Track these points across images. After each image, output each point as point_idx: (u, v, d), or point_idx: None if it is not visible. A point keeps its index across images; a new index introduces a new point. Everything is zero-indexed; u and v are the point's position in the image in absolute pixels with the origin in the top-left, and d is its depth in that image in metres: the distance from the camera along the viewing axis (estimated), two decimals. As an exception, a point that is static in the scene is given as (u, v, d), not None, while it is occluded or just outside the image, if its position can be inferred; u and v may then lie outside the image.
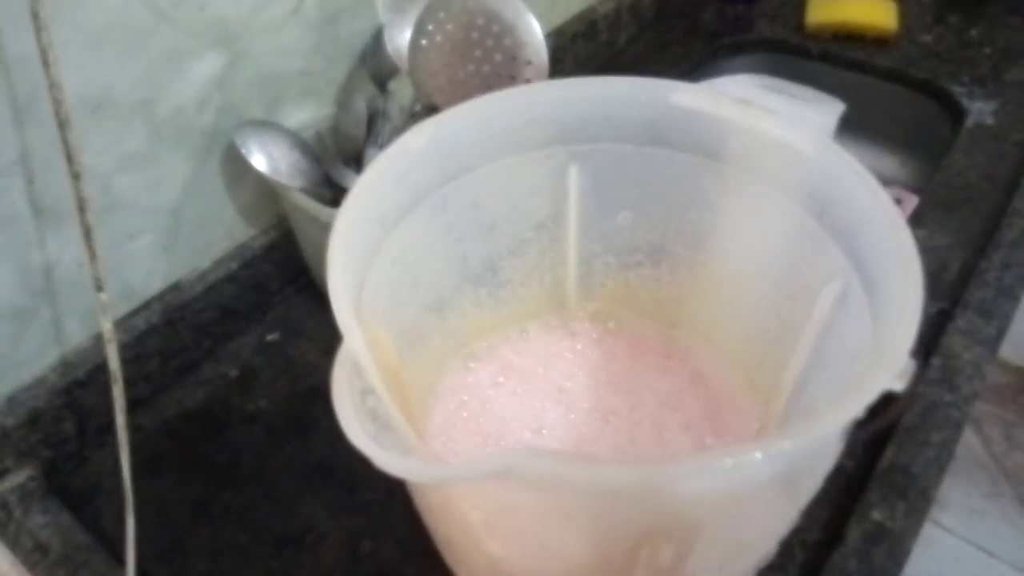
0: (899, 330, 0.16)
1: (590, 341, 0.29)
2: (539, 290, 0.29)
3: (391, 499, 0.53)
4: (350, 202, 0.21)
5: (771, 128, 0.22)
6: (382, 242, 0.22)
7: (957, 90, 0.84)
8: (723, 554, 0.19)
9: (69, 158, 0.36)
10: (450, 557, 0.23)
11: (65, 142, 0.36)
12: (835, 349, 0.21)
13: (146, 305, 0.58)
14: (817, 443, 0.15)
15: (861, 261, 0.20)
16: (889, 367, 0.15)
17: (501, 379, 0.28)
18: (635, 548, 0.17)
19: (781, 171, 0.22)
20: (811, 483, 0.19)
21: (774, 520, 0.19)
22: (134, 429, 0.56)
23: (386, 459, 0.14)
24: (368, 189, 0.21)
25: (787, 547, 0.49)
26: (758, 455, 0.14)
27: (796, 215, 0.22)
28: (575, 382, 0.28)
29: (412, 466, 0.15)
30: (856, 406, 0.15)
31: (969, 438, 1.54)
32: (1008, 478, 1.46)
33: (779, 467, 0.15)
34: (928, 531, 1.40)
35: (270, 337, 0.64)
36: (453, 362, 0.27)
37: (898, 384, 0.15)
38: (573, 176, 0.25)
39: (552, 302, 0.29)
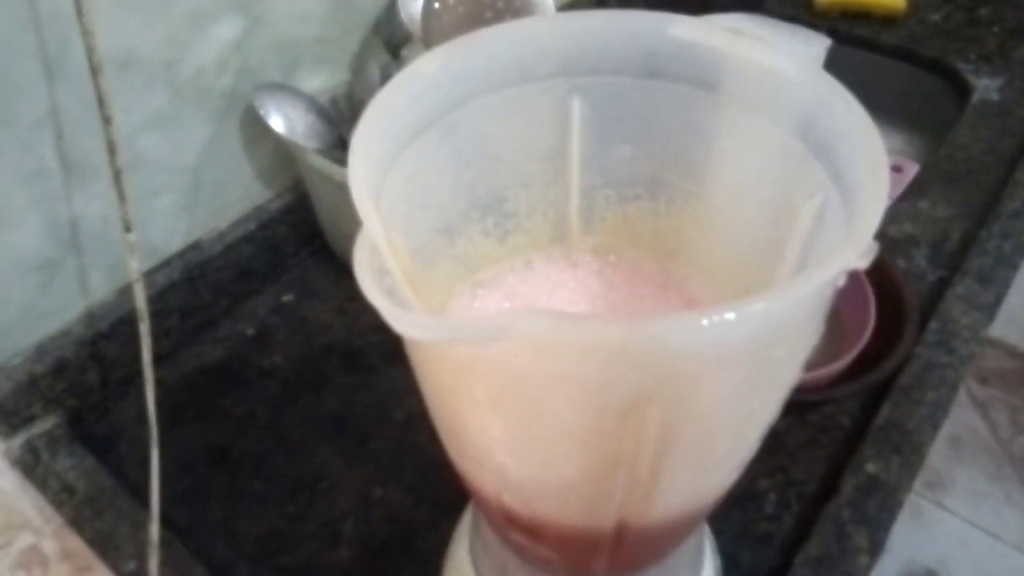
0: (865, 215, 0.18)
1: (591, 272, 0.30)
2: (543, 222, 0.30)
3: (401, 448, 0.55)
4: (368, 112, 0.22)
5: (761, 55, 0.23)
6: (396, 158, 0.24)
7: (964, 67, 0.85)
8: (706, 433, 0.21)
9: (100, 102, 0.38)
10: (455, 449, 0.24)
11: (97, 87, 0.38)
12: (815, 262, 0.23)
13: (167, 262, 0.60)
14: (788, 306, 0.17)
15: (839, 175, 0.21)
16: (854, 245, 0.17)
17: (507, 304, 0.29)
18: (624, 415, 0.18)
19: (770, 97, 0.24)
20: (791, 361, 0.21)
21: (752, 398, 0.21)
22: (156, 382, 0.59)
23: (400, 315, 0.16)
24: (383, 104, 0.22)
25: (784, 499, 0.51)
26: (731, 315, 0.15)
27: (783, 138, 0.24)
28: (576, 309, 0.29)
29: (424, 322, 0.17)
30: (822, 275, 0.17)
31: (976, 423, 1.55)
32: (1013, 462, 1.47)
33: (753, 330, 0.16)
34: (932, 513, 1.41)
35: (285, 298, 0.66)
36: (461, 287, 0.29)
37: (862, 262, 0.17)
38: (576, 108, 0.27)
39: (555, 234, 0.31)
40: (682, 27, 0.24)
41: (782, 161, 0.24)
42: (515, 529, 0.26)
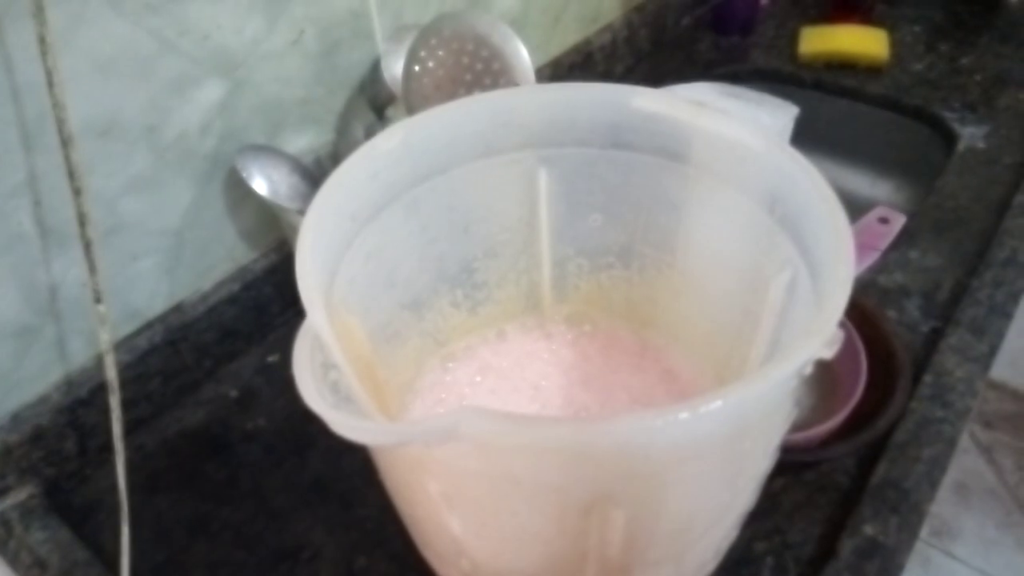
0: (830, 302, 0.17)
1: (565, 342, 0.30)
2: (515, 292, 0.30)
3: (385, 515, 0.53)
4: (322, 194, 0.22)
5: (724, 128, 0.23)
6: (355, 237, 0.23)
7: (948, 116, 0.86)
8: (676, 529, 0.20)
9: (71, 174, 0.38)
10: (420, 540, 0.23)
11: (67, 159, 0.38)
12: (788, 335, 0.22)
13: (148, 325, 0.59)
14: (749, 404, 0.16)
15: (806, 249, 0.21)
16: (818, 335, 0.16)
17: (479, 378, 0.28)
18: (586, 514, 0.17)
19: (736, 169, 0.23)
20: (759, 451, 0.20)
21: (723, 491, 0.20)
22: (135, 448, 0.58)
23: (339, 419, 0.15)
24: (339, 184, 0.22)
25: (781, 562, 0.49)
26: (684, 415, 0.15)
27: (751, 210, 0.23)
28: (550, 381, 0.28)
29: (362, 426, 0.16)
30: (784, 370, 0.16)
31: (982, 468, 1.52)
32: (1022, 507, 1.44)
33: (715, 427, 0.16)
34: (942, 562, 1.37)
35: (271, 359, 0.65)
36: (431, 361, 0.28)
37: (827, 352, 0.16)
38: (543, 180, 0.26)
39: (528, 304, 0.30)
40: (645, 99, 0.24)
41: (752, 233, 0.23)
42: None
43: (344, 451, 0.58)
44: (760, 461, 0.21)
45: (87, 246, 0.40)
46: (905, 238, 0.70)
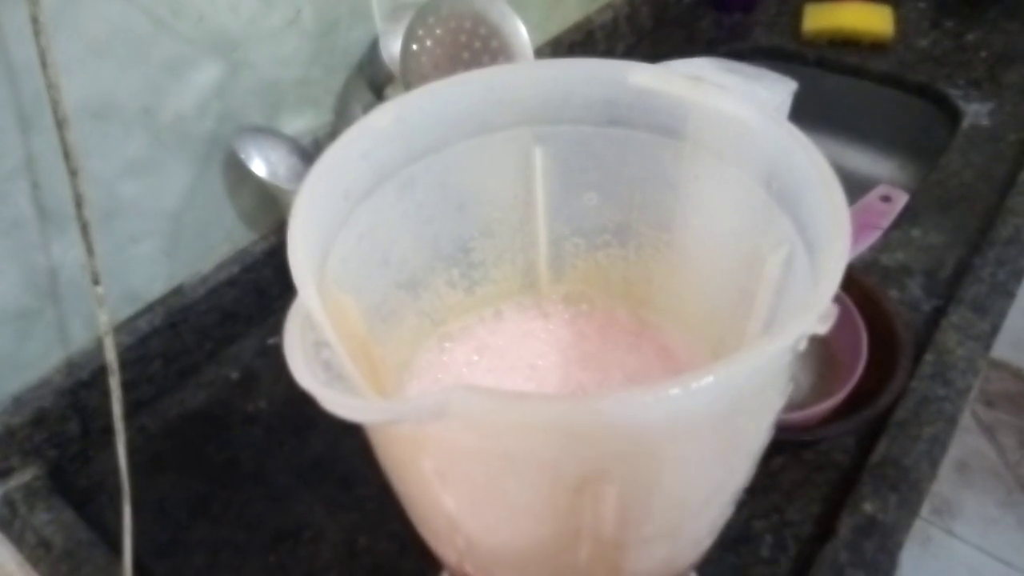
0: (825, 276, 0.17)
1: (562, 321, 0.29)
2: (511, 271, 0.30)
3: (386, 495, 0.53)
4: (313, 172, 0.22)
5: (721, 103, 0.22)
6: (348, 216, 0.23)
7: (953, 93, 0.85)
8: (670, 506, 0.20)
9: (66, 155, 0.38)
10: (416, 518, 0.23)
11: (63, 140, 0.38)
12: (784, 312, 0.22)
13: (149, 308, 0.59)
14: (741, 379, 0.16)
15: (803, 225, 0.20)
16: (813, 310, 0.16)
17: (475, 357, 0.28)
18: (579, 491, 0.17)
19: (733, 145, 0.23)
20: (754, 427, 0.20)
21: (717, 467, 0.20)
22: (137, 430, 0.58)
23: (330, 397, 0.15)
24: (331, 163, 0.22)
25: (780, 541, 0.49)
26: (675, 390, 0.15)
27: (749, 187, 0.23)
28: (547, 360, 0.28)
29: (353, 404, 0.16)
30: (777, 345, 0.16)
31: (983, 447, 1.53)
32: (1022, 487, 1.44)
33: (707, 403, 0.16)
34: (942, 540, 1.38)
35: (271, 341, 0.65)
36: (428, 341, 0.28)
37: (821, 328, 0.16)
38: (538, 158, 0.26)
39: (525, 283, 0.30)
40: (641, 75, 0.23)
41: (748, 210, 0.23)
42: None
43: (344, 432, 0.58)
44: (755, 438, 0.20)
45: (84, 227, 0.40)
46: (908, 216, 0.70)
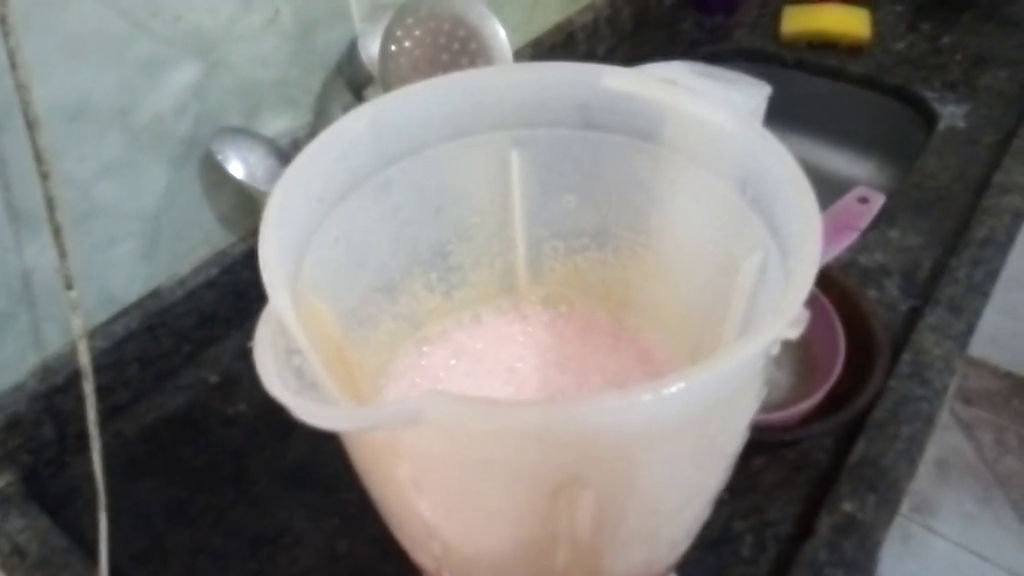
0: (795, 283, 0.17)
1: (541, 324, 0.29)
2: (490, 275, 0.29)
3: (367, 499, 0.53)
4: (287, 175, 0.21)
5: (695, 108, 0.23)
6: (323, 219, 0.23)
7: (929, 95, 0.86)
8: (647, 510, 0.20)
9: (38, 158, 0.37)
10: (392, 524, 0.23)
11: (33, 142, 0.37)
12: (759, 316, 0.22)
13: (125, 311, 0.58)
14: (714, 384, 0.16)
15: (777, 229, 0.20)
16: (784, 315, 0.16)
17: (453, 361, 0.28)
18: (554, 496, 0.17)
19: (707, 149, 0.23)
20: (729, 431, 0.20)
21: (693, 471, 0.20)
22: (114, 435, 0.57)
23: (301, 406, 0.15)
24: (305, 166, 0.22)
25: (760, 541, 0.49)
26: (647, 396, 0.15)
27: (723, 191, 0.23)
28: (525, 363, 0.28)
29: (325, 413, 0.16)
30: (750, 350, 0.16)
31: (961, 444, 1.55)
32: (1000, 483, 1.46)
33: (680, 408, 0.16)
34: (921, 537, 1.39)
35: (251, 343, 0.64)
36: (406, 345, 0.28)
37: (792, 332, 0.16)
38: (515, 161, 0.26)
39: (503, 286, 0.30)
40: (616, 79, 0.23)
41: (723, 214, 0.23)
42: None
43: (325, 437, 0.57)
44: (730, 440, 0.21)
45: (56, 231, 0.39)
46: (885, 217, 0.70)
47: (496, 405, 0.16)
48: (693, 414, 0.17)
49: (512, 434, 0.16)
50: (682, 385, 0.15)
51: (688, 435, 0.18)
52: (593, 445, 0.16)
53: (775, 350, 0.17)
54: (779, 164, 0.20)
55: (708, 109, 0.22)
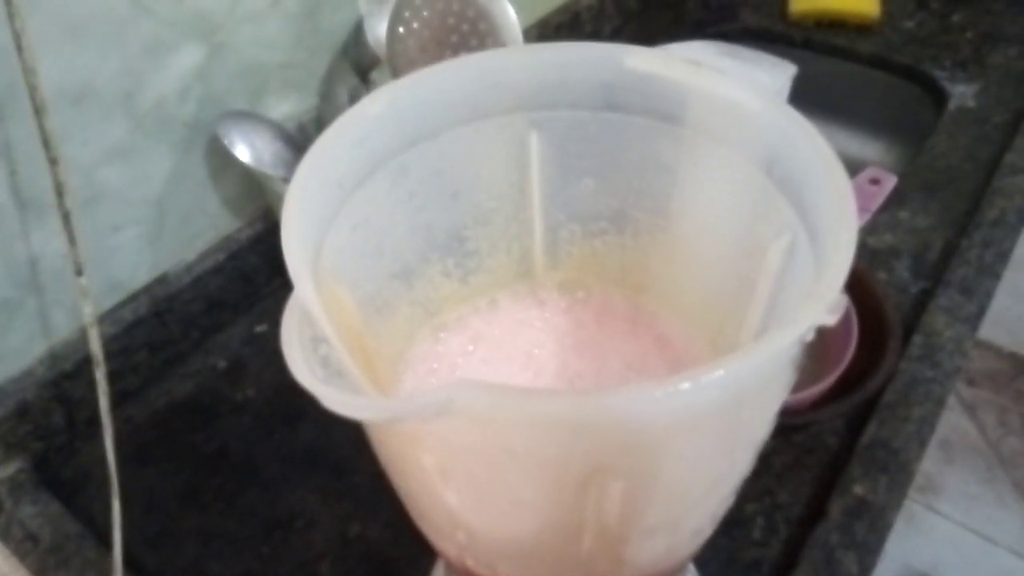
0: (832, 267, 0.17)
1: (558, 309, 0.29)
2: (507, 260, 0.29)
3: (378, 483, 0.53)
4: (306, 161, 0.21)
5: (720, 87, 0.22)
6: (341, 206, 0.22)
7: (939, 74, 0.85)
8: (674, 498, 0.20)
9: (45, 143, 0.37)
10: (414, 513, 0.23)
11: (41, 127, 0.37)
12: (786, 301, 0.22)
13: (133, 297, 0.58)
14: (750, 373, 0.16)
15: (805, 211, 0.20)
16: (821, 301, 0.16)
17: (471, 347, 0.28)
18: (583, 486, 0.17)
19: (732, 130, 0.23)
20: (758, 419, 0.20)
21: (721, 459, 0.20)
22: (124, 421, 0.57)
23: (332, 395, 0.15)
24: (324, 151, 0.21)
25: (771, 523, 0.50)
26: (685, 385, 0.14)
27: (748, 172, 0.23)
28: (543, 349, 0.28)
29: (355, 402, 0.16)
30: (787, 337, 0.16)
31: (964, 424, 1.55)
32: (1003, 463, 1.47)
33: (715, 397, 0.15)
34: (925, 517, 1.40)
35: (259, 328, 0.64)
36: (423, 331, 0.28)
37: (830, 319, 0.16)
38: (534, 143, 0.26)
39: (520, 271, 0.29)
40: (639, 59, 0.23)
41: (748, 196, 0.23)
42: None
43: (335, 420, 0.57)
44: (759, 429, 0.20)
45: (65, 217, 0.39)
46: (895, 198, 0.70)
47: (529, 395, 0.16)
48: (726, 402, 0.17)
49: (544, 424, 0.15)
50: (721, 373, 0.15)
51: (719, 423, 0.18)
52: (625, 435, 0.16)
53: (810, 337, 0.17)
54: (808, 144, 0.20)
55: (734, 89, 0.22)
